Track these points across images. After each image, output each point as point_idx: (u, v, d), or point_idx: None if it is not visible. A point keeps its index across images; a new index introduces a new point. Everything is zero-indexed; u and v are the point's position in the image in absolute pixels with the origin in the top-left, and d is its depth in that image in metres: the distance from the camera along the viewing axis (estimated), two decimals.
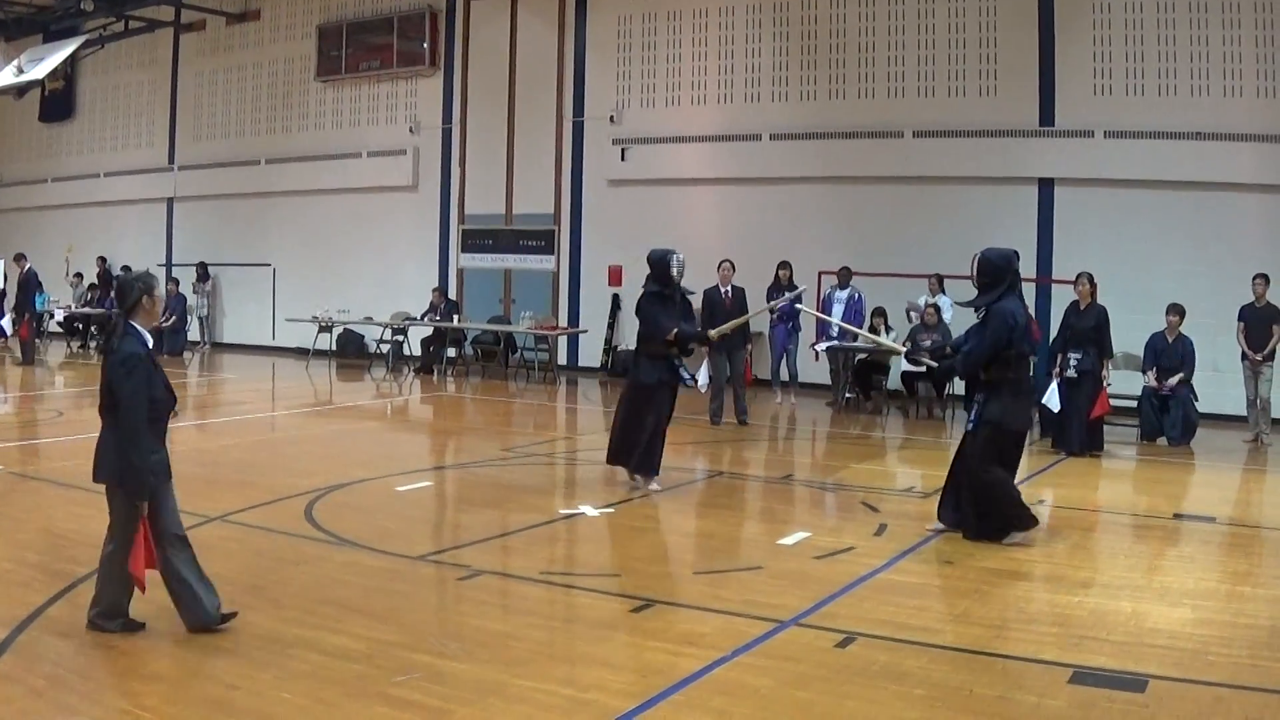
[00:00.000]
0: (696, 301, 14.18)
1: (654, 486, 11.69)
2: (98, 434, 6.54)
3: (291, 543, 6.70)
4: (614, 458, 12.14)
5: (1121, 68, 19.76)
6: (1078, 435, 15.05)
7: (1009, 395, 9.71)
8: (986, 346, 9.66)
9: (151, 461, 6.35)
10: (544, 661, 6.38)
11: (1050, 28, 20.28)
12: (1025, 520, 9.67)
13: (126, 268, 23.43)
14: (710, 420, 16.94)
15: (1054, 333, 16.28)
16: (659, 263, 12.05)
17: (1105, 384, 15.30)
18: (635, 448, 11.82)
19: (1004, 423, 9.68)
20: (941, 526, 9.98)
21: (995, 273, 9.79)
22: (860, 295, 19.99)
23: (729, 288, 17.31)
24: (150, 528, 6.37)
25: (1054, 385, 15.11)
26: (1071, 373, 15.09)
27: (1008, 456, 9.89)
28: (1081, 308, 15.41)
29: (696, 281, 21.20)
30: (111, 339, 6.51)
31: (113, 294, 6.70)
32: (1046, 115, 20.30)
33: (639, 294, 12.36)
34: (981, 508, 9.63)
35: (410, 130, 26.63)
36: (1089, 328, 15.15)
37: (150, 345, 6.56)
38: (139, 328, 6.53)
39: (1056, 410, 15.07)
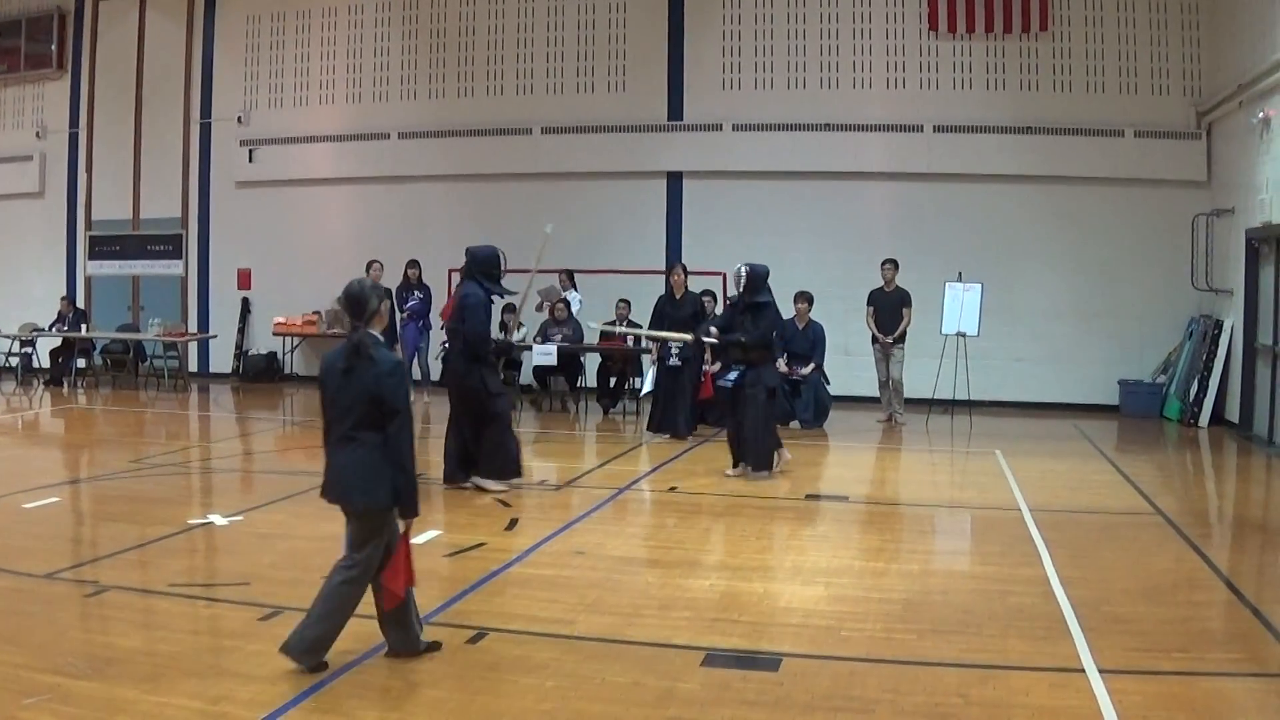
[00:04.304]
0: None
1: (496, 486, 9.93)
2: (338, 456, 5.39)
3: None
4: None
5: (751, 62, 17.53)
6: (685, 421, 13.29)
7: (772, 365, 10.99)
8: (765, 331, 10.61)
9: None
10: (174, 676, 5.29)
11: (680, 25, 17.80)
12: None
13: None
14: None
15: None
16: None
17: (706, 369, 12.76)
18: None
19: (773, 384, 10.74)
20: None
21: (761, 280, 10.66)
22: None
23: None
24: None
25: (650, 370, 13.78)
26: (674, 361, 13.29)
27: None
28: (677, 296, 13.72)
29: (325, 283, 18.52)
30: (361, 350, 5.28)
31: (342, 304, 5.42)
32: (675, 110, 17.77)
33: None
34: (760, 444, 10.50)
35: (37, 135, 21.75)
36: (686, 316, 13.37)
37: None
38: (378, 336, 5.41)
39: (646, 392, 13.89)
